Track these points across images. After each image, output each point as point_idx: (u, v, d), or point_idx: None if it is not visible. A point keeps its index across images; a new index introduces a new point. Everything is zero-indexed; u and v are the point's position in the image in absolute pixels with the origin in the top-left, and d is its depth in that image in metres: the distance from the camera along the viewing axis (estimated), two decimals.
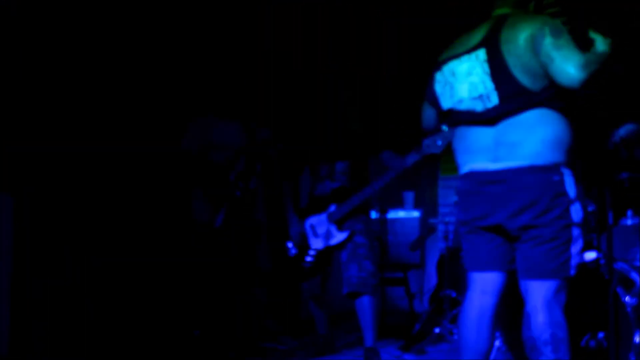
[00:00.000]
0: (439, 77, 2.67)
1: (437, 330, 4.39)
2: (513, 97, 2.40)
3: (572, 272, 2.38)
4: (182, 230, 4.22)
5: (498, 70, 2.42)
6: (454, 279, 4.81)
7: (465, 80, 2.53)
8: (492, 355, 3.37)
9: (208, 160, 4.18)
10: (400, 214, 6.06)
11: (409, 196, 6.26)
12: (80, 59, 4.01)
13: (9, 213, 3.73)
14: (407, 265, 5.94)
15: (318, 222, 4.10)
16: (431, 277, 6.35)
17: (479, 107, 2.50)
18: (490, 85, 2.45)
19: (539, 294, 2.36)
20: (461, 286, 4.50)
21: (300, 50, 5.39)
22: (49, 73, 3.87)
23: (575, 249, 2.40)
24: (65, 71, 3.94)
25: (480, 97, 2.48)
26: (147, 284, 4.21)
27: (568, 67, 2.27)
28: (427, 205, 6.59)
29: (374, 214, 5.00)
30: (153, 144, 4.18)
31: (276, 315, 5.13)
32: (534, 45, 2.35)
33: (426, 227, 6.01)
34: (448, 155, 2.88)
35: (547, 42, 2.32)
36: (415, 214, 6.06)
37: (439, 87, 2.67)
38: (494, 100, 2.44)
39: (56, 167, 3.86)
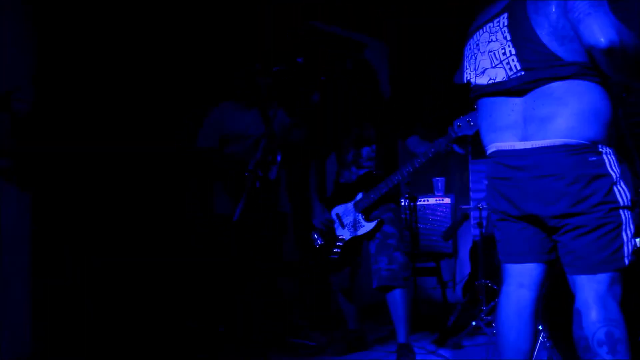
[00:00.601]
0: (466, 51, 2.48)
1: (473, 323, 4.16)
2: (539, 63, 2.16)
3: (627, 260, 2.13)
4: (206, 225, 4.13)
5: (521, 33, 2.21)
6: (488, 268, 4.59)
7: (485, 48, 2.34)
8: (536, 351, 3.15)
9: (227, 152, 4.04)
10: (431, 200, 5.84)
11: (440, 182, 6.05)
12: (85, 59, 4.03)
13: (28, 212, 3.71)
14: (440, 254, 5.74)
15: (344, 211, 3.90)
16: (464, 266, 6.16)
17: (500, 75, 2.28)
18: (512, 50, 2.23)
19: (589, 288, 2.12)
20: (497, 275, 4.29)
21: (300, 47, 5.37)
22: (50, 71, 3.85)
23: (627, 234, 2.15)
24: (67, 70, 3.94)
25: (501, 64, 2.27)
26: (149, 284, 4.17)
27: (600, 24, 2.02)
28: (459, 191, 6.38)
29: (403, 202, 4.77)
30: (154, 144, 4.16)
31: (305, 309, 4.97)
32: (567, 1, 2.11)
33: (458, 214, 5.79)
34: (478, 138, 2.66)
35: None
36: (447, 200, 5.84)
37: (466, 62, 2.47)
38: (516, 67, 2.22)
39: (57, 167, 3.86)
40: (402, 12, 5.71)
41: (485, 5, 2.48)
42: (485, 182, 5.51)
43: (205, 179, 4.16)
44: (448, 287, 5.92)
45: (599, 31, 2.02)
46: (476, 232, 5.07)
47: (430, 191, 6.04)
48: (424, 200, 5.84)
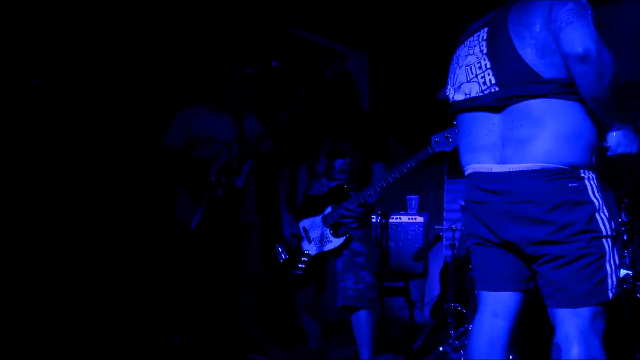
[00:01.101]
0: (450, 68, 2.37)
1: (440, 348, 4.01)
2: (514, 79, 2.04)
3: (611, 294, 1.99)
4: (165, 231, 4.07)
5: (498, 46, 2.10)
6: (458, 291, 4.45)
7: (463, 62, 2.23)
8: None
9: (193, 156, 3.86)
10: (404, 218, 5.70)
11: (413, 200, 5.91)
12: (74, 59, 4.04)
13: None
14: (409, 274, 5.58)
15: (312, 225, 3.73)
16: (434, 287, 6.03)
17: (474, 90, 2.17)
18: (487, 64, 2.12)
19: (570, 322, 1.98)
20: (467, 299, 4.15)
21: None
22: (39, 71, 3.88)
23: (611, 265, 2.00)
24: (58, 70, 3.96)
25: (476, 77, 2.16)
26: (148, 284, 4.20)
27: (580, 33, 1.93)
28: (432, 210, 6.26)
29: (374, 218, 4.62)
30: (152, 143, 4.10)
31: (267, 324, 4.79)
32: (551, 12, 2.00)
33: (430, 234, 5.66)
34: (455, 157, 2.54)
35: (569, 7, 1.98)
36: (420, 219, 5.70)
37: (448, 78, 2.37)
38: (490, 81, 2.11)
39: (55, 167, 3.87)
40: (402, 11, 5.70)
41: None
42: (460, 202, 5.43)
43: (170, 182, 4.02)
44: (416, 308, 5.78)
45: (577, 39, 1.92)
46: (448, 253, 4.96)
47: (403, 209, 5.91)
48: (397, 218, 5.70)
